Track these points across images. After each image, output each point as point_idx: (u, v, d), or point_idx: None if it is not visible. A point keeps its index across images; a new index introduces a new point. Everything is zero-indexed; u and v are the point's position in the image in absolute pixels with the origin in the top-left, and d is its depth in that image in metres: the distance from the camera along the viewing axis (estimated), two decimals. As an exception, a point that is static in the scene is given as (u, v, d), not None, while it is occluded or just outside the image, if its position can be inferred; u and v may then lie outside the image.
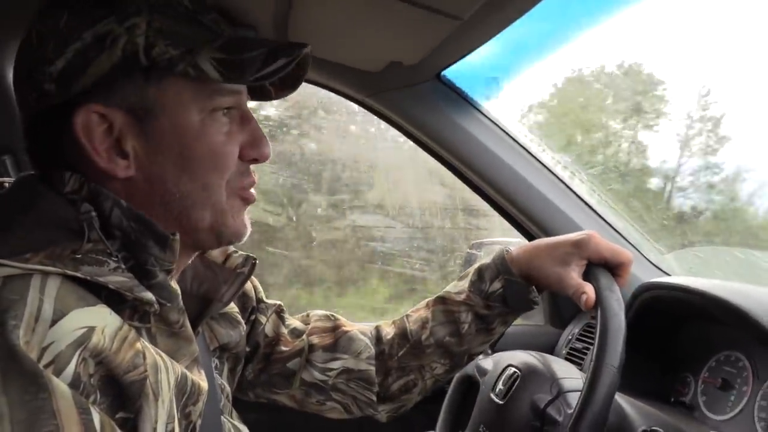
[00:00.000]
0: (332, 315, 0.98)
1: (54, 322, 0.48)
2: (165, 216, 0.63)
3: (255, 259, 0.78)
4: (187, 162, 0.62)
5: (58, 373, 0.47)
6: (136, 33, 0.58)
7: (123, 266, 0.57)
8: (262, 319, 0.92)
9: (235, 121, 0.66)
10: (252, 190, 0.69)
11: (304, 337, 0.93)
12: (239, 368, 0.88)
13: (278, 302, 0.96)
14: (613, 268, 0.81)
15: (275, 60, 0.60)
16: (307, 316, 0.99)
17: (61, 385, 0.47)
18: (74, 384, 0.48)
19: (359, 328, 0.96)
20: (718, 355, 1.00)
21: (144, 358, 0.54)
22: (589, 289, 0.78)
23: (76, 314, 0.50)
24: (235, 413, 0.81)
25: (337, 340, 0.93)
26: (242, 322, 0.87)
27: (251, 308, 0.91)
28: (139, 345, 0.54)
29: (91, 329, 0.50)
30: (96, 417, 0.48)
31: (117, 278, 0.55)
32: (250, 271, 0.77)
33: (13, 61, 1.20)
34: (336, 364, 0.92)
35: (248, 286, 0.91)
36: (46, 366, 0.47)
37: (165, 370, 0.57)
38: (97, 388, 0.51)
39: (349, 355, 0.92)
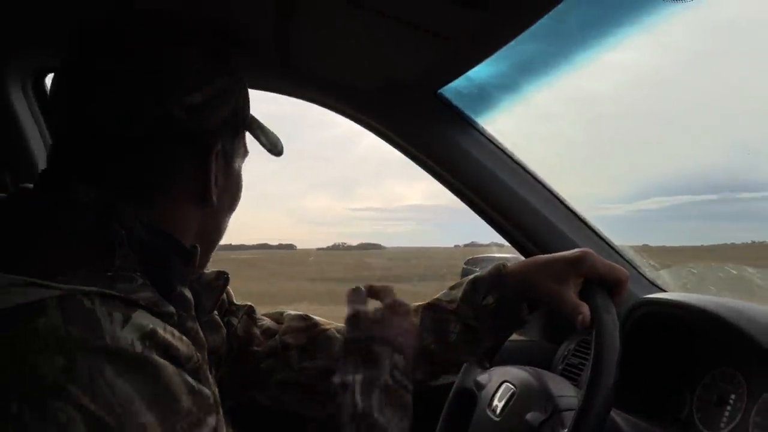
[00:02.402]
0: (307, 315, 0.98)
1: (124, 324, 0.51)
2: (198, 240, 0.70)
3: (227, 273, 0.82)
4: (235, 202, 0.77)
5: None
6: (240, 90, 0.71)
7: (147, 281, 0.59)
8: (234, 321, 0.93)
9: None
10: None
11: (277, 336, 0.93)
12: (219, 371, 0.89)
13: (248, 303, 0.97)
14: (610, 285, 0.82)
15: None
16: (281, 315, 0.99)
17: (158, 358, 0.51)
18: None
19: (337, 327, 0.95)
20: (713, 371, 1.00)
21: (192, 348, 0.58)
22: (584, 309, 0.78)
23: (138, 315, 0.53)
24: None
25: (313, 339, 0.93)
26: (222, 325, 0.89)
27: (224, 311, 0.93)
28: (184, 339, 0.58)
29: (154, 326, 0.53)
30: (187, 376, 0.53)
31: (145, 294, 0.57)
32: (224, 284, 0.82)
33: (15, 83, 1.21)
34: (312, 364, 0.91)
35: None
36: None
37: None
38: None
39: (325, 354, 0.92)
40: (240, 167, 0.76)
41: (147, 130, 0.62)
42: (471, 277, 0.90)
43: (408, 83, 1.15)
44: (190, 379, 0.53)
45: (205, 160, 0.67)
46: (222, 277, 0.81)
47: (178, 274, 0.64)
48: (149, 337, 0.52)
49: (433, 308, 0.91)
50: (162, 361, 0.51)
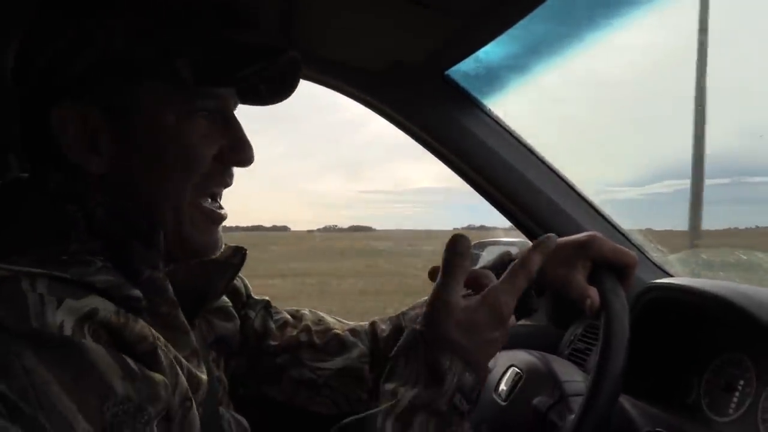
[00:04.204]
0: (322, 317, 0.98)
1: (59, 304, 0.49)
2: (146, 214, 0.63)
3: (245, 249, 0.78)
4: (159, 163, 0.62)
5: None
6: (115, 33, 0.60)
7: (109, 265, 0.57)
8: (251, 314, 0.93)
9: (217, 124, 0.66)
10: (221, 209, 0.69)
11: (294, 333, 0.93)
12: (233, 362, 0.89)
13: (266, 298, 0.96)
14: (618, 269, 0.80)
15: (251, 65, 0.62)
16: (297, 311, 0.98)
17: (90, 342, 0.49)
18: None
19: (351, 327, 0.96)
20: (721, 357, 0.99)
21: (150, 330, 0.55)
22: (593, 294, 0.77)
23: (74, 299, 0.51)
24: (232, 406, 0.81)
25: (327, 342, 0.93)
26: (236, 316, 0.88)
27: (241, 304, 0.92)
28: (141, 321, 0.55)
29: (94, 308, 0.51)
30: (130, 360, 0.50)
31: (104, 277, 0.55)
32: (240, 261, 0.78)
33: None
34: (326, 365, 0.91)
35: (238, 283, 0.92)
36: None
37: (167, 347, 0.57)
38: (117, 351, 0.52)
39: (339, 357, 0.92)
40: (161, 119, 0.62)
41: (24, 110, 0.62)
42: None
43: (415, 64, 1.14)
44: (131, 363, 0.50)
45: (59, 122, 0.60)
46: (239, 254, 0.77)
47: (141, 257, 0.60)
48: (87, 317, 0.50)
49: None
50: (92, 344, 0.49)
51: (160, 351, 0.55)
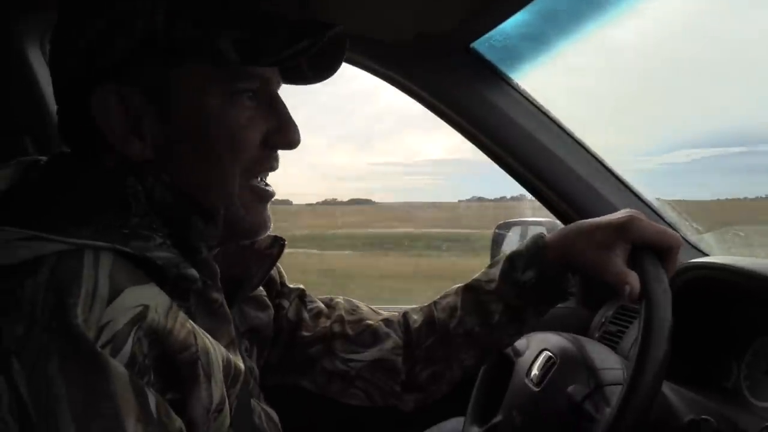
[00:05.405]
0: (356, 306, 0.95)
1: (111, 300, 0.48)
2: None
3: (283, 240, 0.77)
4: (205, 148, 0.61)
5: (115, 352, 0.47)
6: (155, 12, 0.57)
7: (168, 242, 0.56)
8: (285, 303, 0.90)
9: (262, 106, 0.64)
10: (269, 187, 0.68)
11: (328, 323, 0.91)
12: (265, 352, 0.87)
13: (300, 286, 0.94)
14: (660, 251, 0.75)
15: (298, 42, 0.59)
16: (332, 300, 0.96)
17: (118, 367, 0.46)
18: (130, 364, 0.48)
19: (385, 317, 0.93)
20: (761, 338, 0.95)
21: (195, 338, 0.54)
22: (632, 279, 0.71)
23: (131, 291, 0.50)
24: (262, 396, 0.79)
25: (360, 333, 0.90)
26: (270, 305, 0.86)
27: (275, 293, 0.90)
28: (189, 325, 0.54)
29: (146, 307, 0.50)
30: (152, 400, 0.48)
31: (163, 254, 0.54)
32: (278, 252, 0.76)
33: (33, 40, 1.18)
34: (358, 357, 0.89)
35: (273, 271, 0.88)
36: (104, 345, 0.46)
37: (214, 351, 0.56)
38: (152, 368, 0.50)
39: (372, 348, 0.89)
40: (205, 101, 0.60)
41: (62, 91, 0.62)
42: (508, 253, 0.85)
43: (440, 36, 1.10)
44: (150, 404, 0.48)
45: (100, 106, 0.58)
46: (277, 244, 0.76)
47: (199, 233, 0.60)
48: (138, 319, 0.49)
49: (472, 290, 0.87)
50: (119, 370, 0.46)
51: (201, 361, 0.53)
